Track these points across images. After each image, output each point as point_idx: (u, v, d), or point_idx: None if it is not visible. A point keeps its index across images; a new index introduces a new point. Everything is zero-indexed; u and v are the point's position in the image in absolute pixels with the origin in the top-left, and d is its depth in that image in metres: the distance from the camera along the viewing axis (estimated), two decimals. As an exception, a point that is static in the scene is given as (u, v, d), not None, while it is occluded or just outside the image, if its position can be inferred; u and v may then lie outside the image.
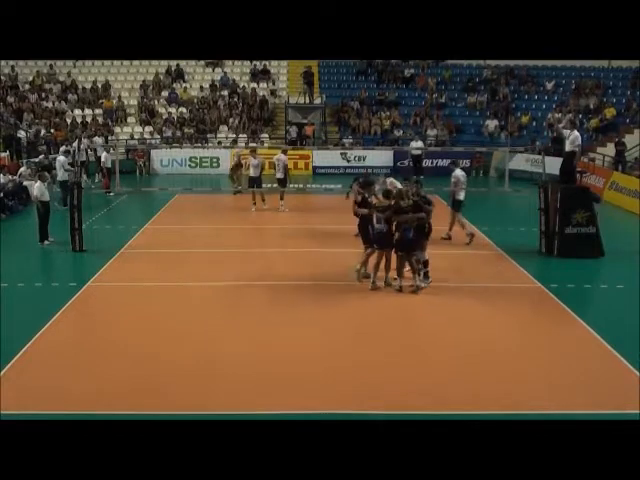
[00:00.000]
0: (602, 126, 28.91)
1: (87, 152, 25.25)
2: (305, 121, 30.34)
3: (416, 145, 26.82)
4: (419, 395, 8.21)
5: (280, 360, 9.18)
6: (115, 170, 17.95)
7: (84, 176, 21.84)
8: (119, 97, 32.48)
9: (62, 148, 25.20)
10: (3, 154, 24.78)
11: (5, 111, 29.52)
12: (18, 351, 9.32)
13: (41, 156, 25.01)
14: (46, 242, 15.66)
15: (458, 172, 16.47)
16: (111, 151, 22.78)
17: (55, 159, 25.84)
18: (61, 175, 19.94)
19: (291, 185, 20.83)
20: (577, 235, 14.74)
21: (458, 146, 27.73)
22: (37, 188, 15.78)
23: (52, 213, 16.04)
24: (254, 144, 29.18)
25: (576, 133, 15.39)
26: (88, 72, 33.67)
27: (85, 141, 26.14)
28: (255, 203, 19.85)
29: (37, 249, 15.50)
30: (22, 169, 21.10)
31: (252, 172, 20.11)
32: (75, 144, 23.69)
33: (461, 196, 16.22)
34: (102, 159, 23.17)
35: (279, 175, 20.35)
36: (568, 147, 15.31)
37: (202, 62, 33.97)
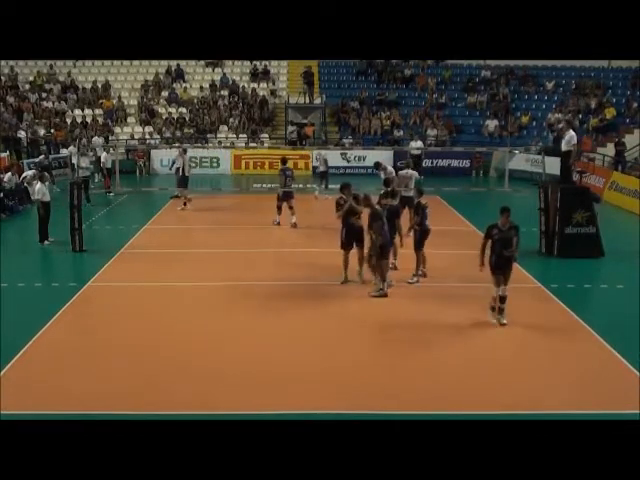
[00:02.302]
0: (602, 126, 28.89)
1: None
2: (305, 121, 30.33)
3: (416, 145, 26.80)
4: (419, 395, 8.21)
5: (282, 360, 9.18)
6: (115, 170, 17.97)
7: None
8: (119, 97, 32.46)
9: (70, 148, 25.21)
10: (3, 154, 24.77)
11: (5, 111, 29.50)
12: (18, 351, 9.33)
13: (41, 156, 24.99)
14: (46, 242, 15.67)
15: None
16: (111, 151, 22.78)
17: (55, 159, 25.99)
18: (81, 172, 19.77)
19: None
20: (577, 235, 14.74)
21: (458, 146, 27.72)
22: (38, 189, 15.77)
23: (52, 213, 16.03)
24: (254, 144, 29.22)
25: (572, 133, 15.39)
26: (88, 72, 33.65)
27: (87, 141, 26.21)
28: (185, 204, 19.88)
29: (37, 249, 15.51)
30: (27, 173, 21.06)
31: (183, 172, 20.28)
32: (75, 144, 23.69)
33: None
34: (102, 159, 23.16)
35: (322, 169, 22.84)
36: (564, 147, 15.31)
37: (202, 62, 33.94)
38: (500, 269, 10.45)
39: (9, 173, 20.48)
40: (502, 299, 10.54)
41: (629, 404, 7.81)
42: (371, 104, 31.98)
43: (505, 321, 10.56)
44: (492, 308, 10.69)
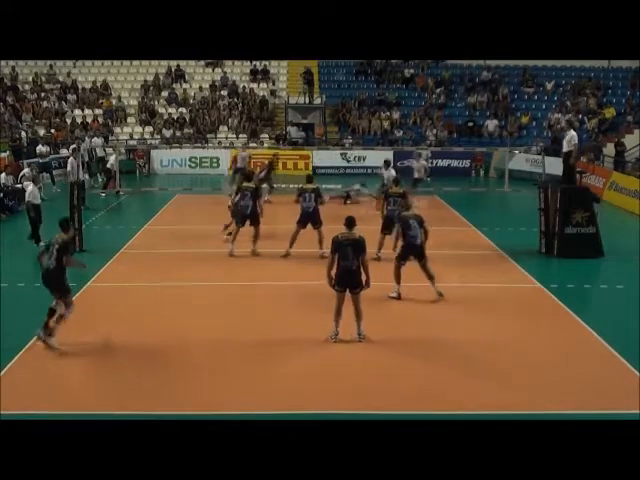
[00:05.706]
0: (602, 126, 28.90)
1: (89, 152, 25.26)
2: (305, 121, 30.34)
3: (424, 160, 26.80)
4: (419, 395, 8.21)
5: (284, 360, 9.18)
6: (115, 170, 18.02)
7: (86, 176, 21.81)
8: (119, 97, 32.48)
9: (70, 160, 25.14)
10: (3, 154, 24.76)
11: (5, 111, 29.50)
12: (18, 351, 9.32)
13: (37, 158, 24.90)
14: (41, 244, 15.61)
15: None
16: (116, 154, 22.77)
17: (55, 159, 26.00)
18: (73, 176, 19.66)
19: (291, 185, 20.89)
20: (577, 235, 14.75)
21: (457, 146, 27.73)
22: (30, 191, 15.73)
23: (51, 214, 16.01)
24: (254, 144, 29.24)
25: (572, 132, 15.39)
26: (88, 72, 33.66)
27: (87, 141, 26.21)
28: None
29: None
30: (25, 171, 21.05)
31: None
32: (75, 145, 23.66)
33: None
34: (111, 162, 22.98)
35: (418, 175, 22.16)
36: (565, 147, 15.31)
37: (202, 62, 33.95)
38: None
39: (4, 173, 20.46)
40: None
41: (629, 404, 7.81)
42: (371, 104, 31.99)
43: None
44: None
